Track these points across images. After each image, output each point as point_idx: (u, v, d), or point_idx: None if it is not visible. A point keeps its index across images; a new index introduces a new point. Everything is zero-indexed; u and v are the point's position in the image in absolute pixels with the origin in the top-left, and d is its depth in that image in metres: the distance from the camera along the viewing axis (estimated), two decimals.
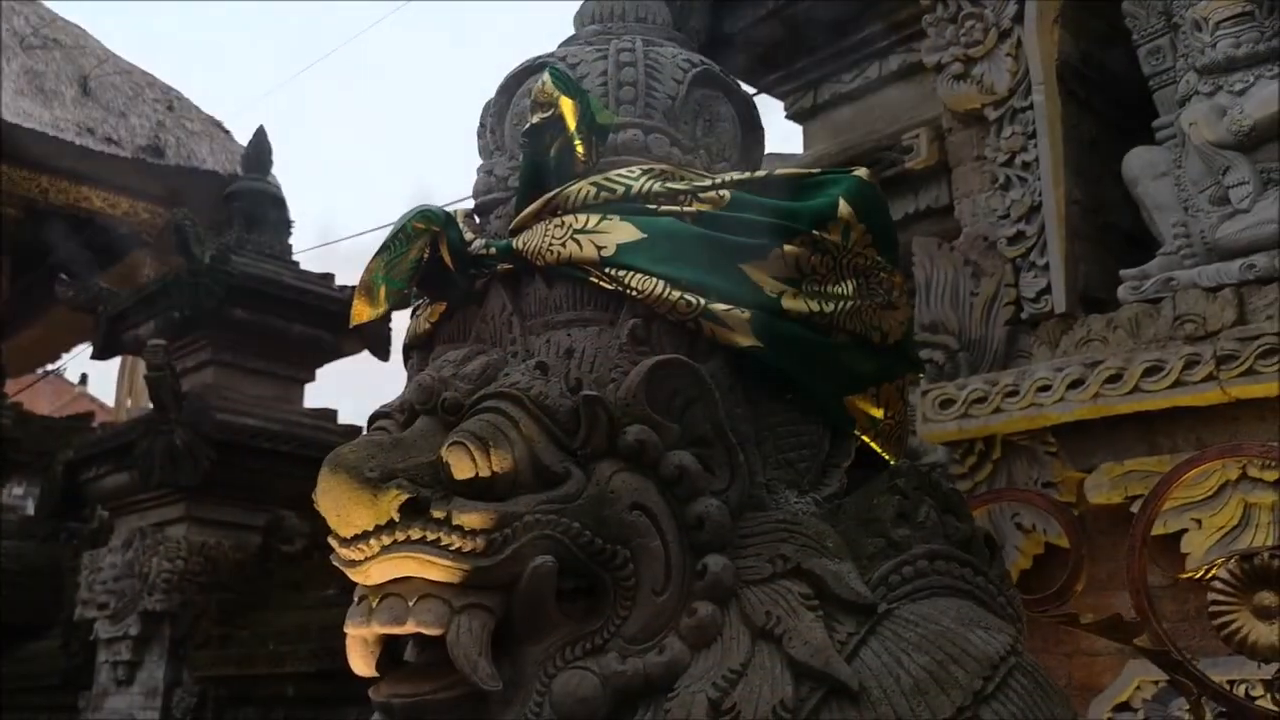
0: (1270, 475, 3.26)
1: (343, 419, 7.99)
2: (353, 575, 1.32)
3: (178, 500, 7.14)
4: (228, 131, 13.89)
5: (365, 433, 1.41)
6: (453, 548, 1.26)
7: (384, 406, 1.44)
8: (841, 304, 1.46)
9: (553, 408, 1.32)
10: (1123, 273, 3.59)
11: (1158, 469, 3.43)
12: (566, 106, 1.43)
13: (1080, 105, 3.81)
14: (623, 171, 1.48)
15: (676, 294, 1.39)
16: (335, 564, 1.34)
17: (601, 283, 1.41)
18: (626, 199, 1.45)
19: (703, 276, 1.40)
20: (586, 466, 1.33)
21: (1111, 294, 3.69)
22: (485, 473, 1.28)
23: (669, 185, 1.46)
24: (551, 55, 1.64)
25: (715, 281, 1.40)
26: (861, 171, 1.53)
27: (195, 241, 7.34)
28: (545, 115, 1.44)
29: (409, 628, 1.27)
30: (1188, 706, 3.50)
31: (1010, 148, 3.73)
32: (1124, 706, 3.39)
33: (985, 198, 3.81)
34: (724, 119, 1.65)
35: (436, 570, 1.26)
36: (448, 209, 1.53)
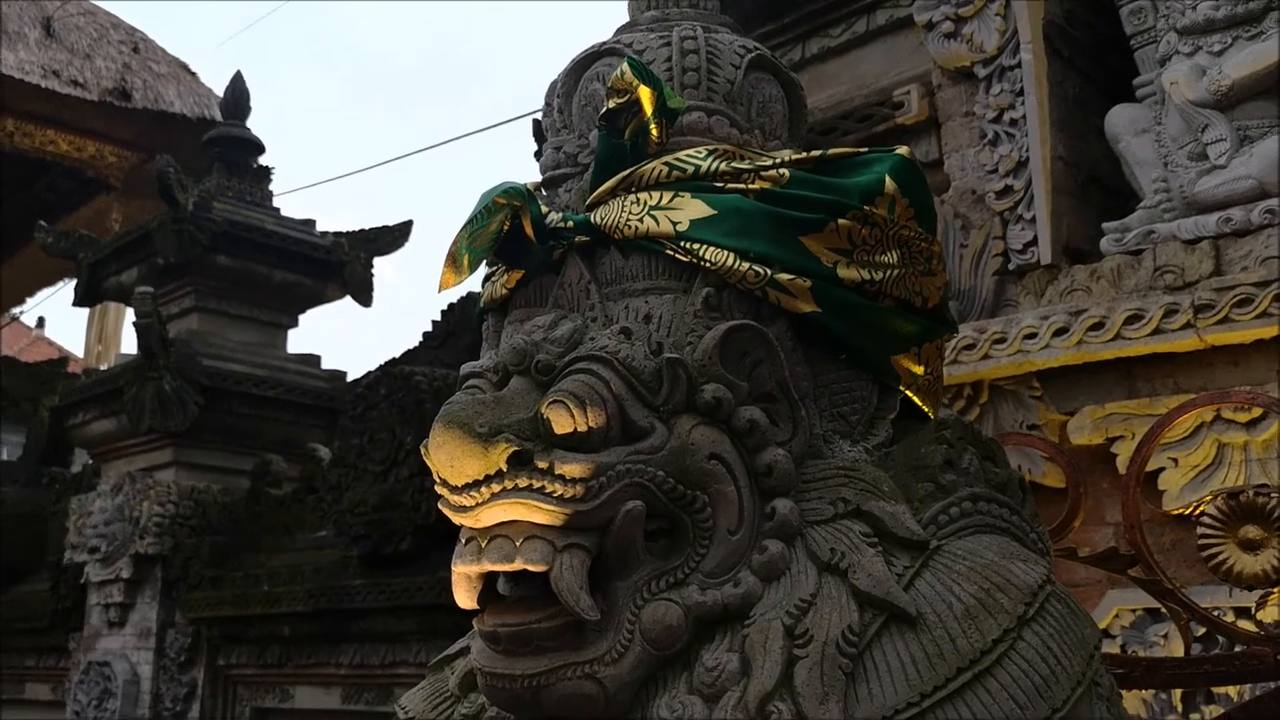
0: (1243, 417, 3.48)
1: (326, 364, 8.08)
2: (462, 520, 1.47)
3: (166, 445, 7.25)
4: (195, 74, 13.79)
5: (458, 391, 1.55)
6: (555, 494, 1.41)
7: (474, 366, 1.58)
8: (888, 272, 1.61)
9: (638, 369, 1.47)
10: (1105, 225, 3.78)
11: (1137, 412, 3.64)
12: (644, 94, 1.56)
13: (1065, 64, 3.97)
14: (691, 152, 1.62)
15: (745, 265, 1.53)
16: (445, 509, 1.48)
17: (677, 255, 1.56)
18: (696, 177, 1.60)
19: (768, 249, 1.54)
20: (668, 421, 1.48)
21: (1093, 246, 3.87)
22: (582, 428, 1.43)
23: (734, 165, 1.60)
24: (617, 41, 1.77)
25: (779, 253, 1.55)
26: (903, 150, 1.68)
27: (178, 188, 7.38)
28: (621, 101, 1.58)
29: (516, 565, 1.42)
30: (1163, 633, 3.75)
31: (999, 105, 3.89)
32: (1103, 634, 3.62)
33: (974, 153, 3.98)
34: (774, 100, 1.79)
35: (541, 514, 1.42)
36: (527, 185, 1.67)
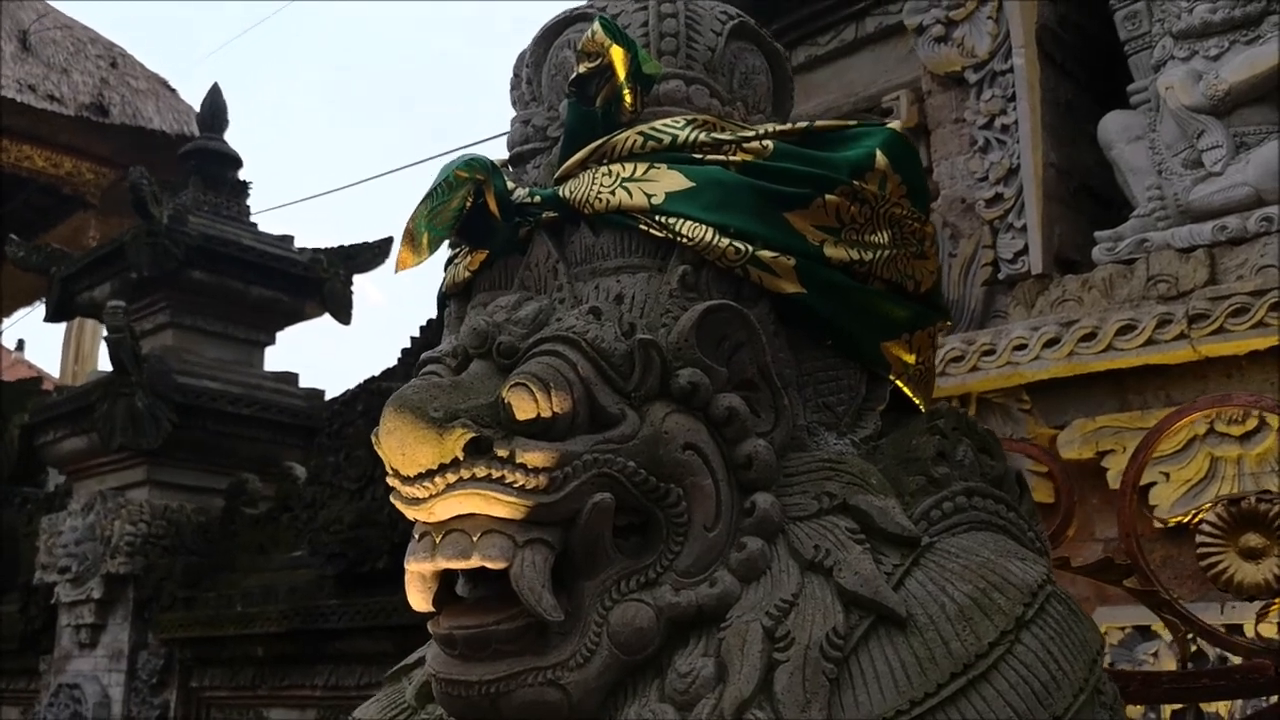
0: (1237, 430, 3.38)
1: (304, 383, 7.96)
2: (415, 513, 1.36)
3: (139, 464, 7.11)
4: (174, 90, 13.69)
5: (416, 377, 1.44)
6: (516, 485, 1.30)
7: (432, 352, 1.48)
8: (879, 253, 1.51)
9: (608, 351, 1.36)
10: (1097, 234, 3.69)
11: (1129, 425, 3.54)
12: (617, 56, 1.46)
13: (1057, 69, 3.90)
14: (668, 121, 1.52)
15: (725, 241, 1.43)
16: (397, 501, 1.37)
17: (651, 230, 1.45)
18: (673, 148, 1.49)
19: (749, 224, 1.44)
20: (640, 408, 1.37)
21: (1084, 255, 3.79)
22: (546, 413, 1.32)
23: (714, 135, 1.50)
24: (590, 6, 1.67)
25: (761, 229, 1.44)
26: (895, 124, 1.59)
27: (152, 201, 7.26)
28: (593, 65, 1.47)
29: (473, 562, 1.31)
30: (1153, 651, 3.64)
31: (990, 110, 3.81)
32: None
33: (964, 160, 3.89)
34: (758, 71, 1.69)
35: (501, 507, 1.30)
36: (491, 158, 1.56)
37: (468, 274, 1.59)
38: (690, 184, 1.46)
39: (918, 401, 1.61)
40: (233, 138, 8.22)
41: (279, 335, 8.02)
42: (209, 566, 6.85)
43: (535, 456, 1.30)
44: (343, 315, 7.88)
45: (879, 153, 1.53)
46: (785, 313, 1.48)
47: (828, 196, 1.48)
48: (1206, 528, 2.14)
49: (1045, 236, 3.72)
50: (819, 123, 1.56)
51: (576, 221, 1.51)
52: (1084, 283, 3.61)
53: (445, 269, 1.66)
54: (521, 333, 1.39)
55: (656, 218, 1.45)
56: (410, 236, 1.53)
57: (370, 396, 5.88)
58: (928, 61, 4.01)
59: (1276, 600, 2.03)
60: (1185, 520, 2.56)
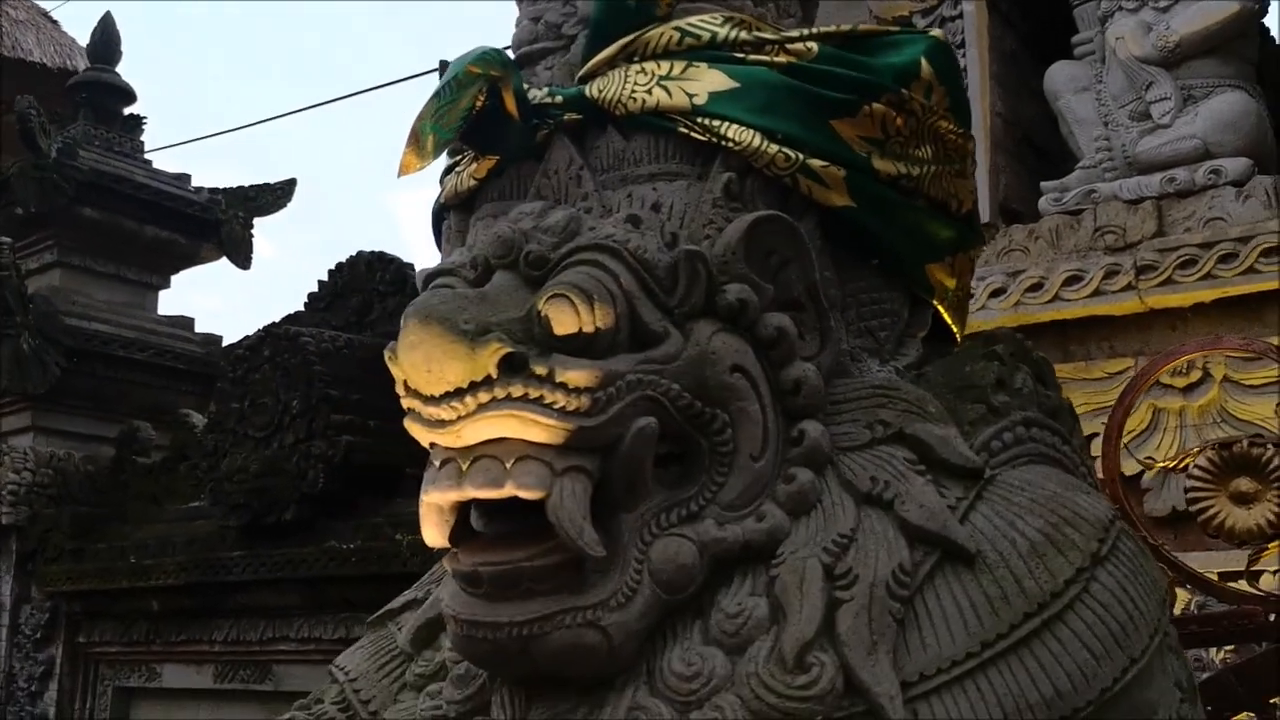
0: (1180, 382, 3.40)
1: (200, 328, 7.66)
2: (438, 436, 1.22)
3: (23, 409, 6.76)
4: (56, 22, 13.02)
5: (425, 291, 1.29)
6: (557, 406, 1.17)
7: (441, 264, 1.33)
8: (925, 168, 1.42)
9: (651, 262, 1.24)
10: (1044, 185, 3.67)
11: (1073, 376, 3.53)
12: None
13: (1002, 18, 3.86)
14: (705, 18, 1.40)
15: (774, 147, 1.32)
16: (414, 425, 1.23)
17: (692, 133, 1.33)
18: (712, 45, 1.37)
19: (797, 130, 1.33)
20: (683, 326, 1.25)
21: (1028, 206, 3.76)
22: (588, 328, 1.19)
23: (756, 34, 1.38)
24: None
25: (809, 136, 1.33)
26: (937, 32, 1.49)
27: (40, 133, 6.87)
28: None
29: (507, 491, 1.18)
30: None
31: None
32: None
33: None
34: None
35: (538, 430, 1.18)
36: (508, 52, 1.42)
37: (472, 182, 1.45)
38: (735, 84, 1.34)
39: (955, 329, 1.52)
40: (132, 73, 7.82)
41: (174, 279, 7.69)
42: (98, 517, 6.55)
43: (577, 375, 1.18)
44: (241, 259, 7.57)
45: (924, 60, 1.43)
46: (830, 229, 1.37)
47: (874, 105, 1.37)
48: (1197, 473, 2.11)
49: (992, 186, 3.70)
50: (862, 26, 1.46)
51: (603, 124, 1.39)
52: (1030, 233, 3.59)
53: (442, 179, 1.52)
54: (552, 241, 1.26)
55: (698, 119, 1.33)
56: (415, 138, 1.39)
57: (276, 340, 5.64)
58: (874, 5, 3.94)
59: (1271, 545, 2.01)
60: (1171, 466, 2.54)
